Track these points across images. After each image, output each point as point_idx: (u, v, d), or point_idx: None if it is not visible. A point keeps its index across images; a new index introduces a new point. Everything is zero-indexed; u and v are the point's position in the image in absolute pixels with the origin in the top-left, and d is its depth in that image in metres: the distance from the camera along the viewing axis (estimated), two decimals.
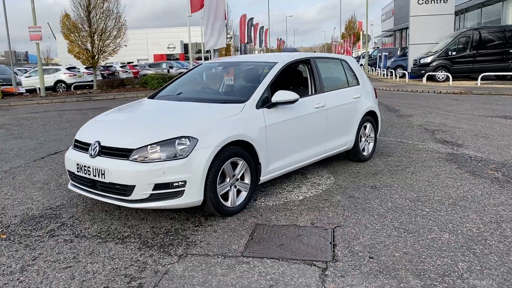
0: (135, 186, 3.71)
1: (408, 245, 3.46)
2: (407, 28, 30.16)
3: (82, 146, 4.20)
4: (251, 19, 47.58)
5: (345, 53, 60.91)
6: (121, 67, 32.21)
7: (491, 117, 10.21)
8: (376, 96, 6.54)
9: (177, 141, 3.81)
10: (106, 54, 20.46)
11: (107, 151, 3.92)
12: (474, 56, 20.49)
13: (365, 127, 6.16)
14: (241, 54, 66.87)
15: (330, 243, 3.54)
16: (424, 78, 20.74)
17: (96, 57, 20.19)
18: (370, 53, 39.46)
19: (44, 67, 25.16)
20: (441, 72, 20.67)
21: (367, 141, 6.24)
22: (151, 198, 3.74)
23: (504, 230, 3.71)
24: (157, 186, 3.71)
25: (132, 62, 46.19)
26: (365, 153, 6.18)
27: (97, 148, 3.97)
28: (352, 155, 6.08)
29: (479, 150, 6.79)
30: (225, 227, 3.91)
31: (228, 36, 45.67)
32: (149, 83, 20.63)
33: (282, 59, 5.06)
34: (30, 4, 17.35)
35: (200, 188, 3.81)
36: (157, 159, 3.73)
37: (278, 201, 4.57)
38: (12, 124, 11.36)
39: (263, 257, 3.30)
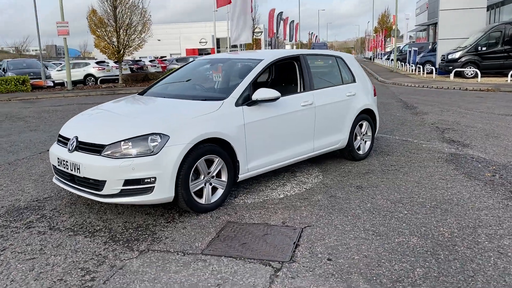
0: (106, 181, 3.79)
1: (371, 248, 3.39)
2: None
3: (64, 141, 4.32)
4: (281, 13, 47.31)
5: (378, 48, 59.70)
6: (150, 61, 32.73)
7: (510, 116, 9.81)
8: (375, 94, 6.40)
9: (150, 138, 3.86)
10: (131, 48, 20.85)
11: (83, 146, 4.02)
12: (506, 52, 19.68)
13: (360, 125, 6.05)
14: (271, 48, 66.63)
15: (294, 243, 3.52)
16: (452, 74, 20.10)
17: (122, 51, 20.60)
18: (400, 48, 38.56)
19: (75, 61, 25.94)
20: (470, 68, 19.97)
21: (363, 140, 6.13)
22: (122, 193, 3.81)
23: (478, 236, 3.58)
24: (128, 182, 3.77)
25: (165, 57, 46.89)
26: (360, 152, 6.08)
27: (75, 143, 4.08)
28: (347, 154, 5.99)
29: (484, 150, 6.55)
30: (195, 224, 3.94)
31: (259, 30, 45.62)
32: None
33: (268, 57, 5.03)
34: None
35: (170, 185, 3.85)
36: (128, 155, 3.79)
37: (257, 199, 4.57)
38: (33, 116, 11.77)
39: (221, 256, 3.31)
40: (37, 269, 3.15)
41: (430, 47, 30.24)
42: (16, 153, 7.07)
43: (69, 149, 4.11)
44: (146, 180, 3.80)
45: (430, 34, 46.60)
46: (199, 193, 4.16)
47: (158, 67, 32.00)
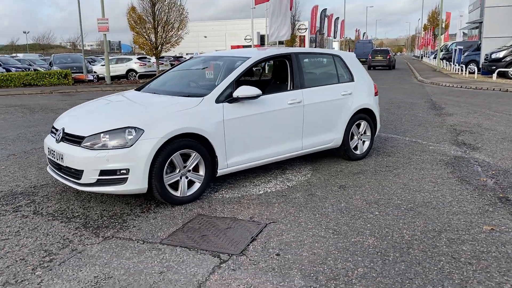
0: (83, 170, 4.04)
1: (324, 246, 3.43)
2: None
3: (54, 132, 4.62)
4: (324, 10, 46.86)
5: (427, 45, 57.76)
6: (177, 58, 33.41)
7: None
8: (376, 94, 6.32)
9: (127, 131, 4.06)
10: (168, 45, 21.41)
11: (68, 138, 4.29)
12: None
13: (358, 125, 6.01)
14: (315, 45, 66.09)
15: (252, 237, 3.61)
16: (494, 75, 19.23)
17: (159, 48, 21.21)
18: (447, 46, 37.16)
19: (119, 57, 26.96)
20: None
21: (360, 140, 6.09)
22: (98, 183, 4.04)
23: (439, 240, 3.53)
24: (103, 172, 4.00)
25: (182, 56, 47.62)
26: (357, 152, 6.04)
27: (61, 134, 4.35)
28: (342, 153, 5.98)
29: (492, 155, 6.32)
30: (167, 215, 4.11)
31: (304, 27, 45.39)
32: None
33: (256, 55, 5.11)
34: None
35: (143, 177, 4.04)
36: (104, 147, 4.01)
37: (236, 194, 4.68)
38: (65, 109, 12.40)
39: (177, 246, 3.46)
40: (6, 248, 3.42)
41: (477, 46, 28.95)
42: (35, 142, 7.54)
43: (56, 140, 4.39)
44: (121, 171, 4.00)
45: (482, 32, 44.61)
46: (176, 186, 4.32)
47: None
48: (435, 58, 40.36)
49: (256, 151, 4.88)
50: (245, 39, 75.20)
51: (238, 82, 4.82)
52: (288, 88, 5.30)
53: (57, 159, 4.31)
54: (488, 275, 2.97)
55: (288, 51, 5.44)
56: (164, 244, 3.49)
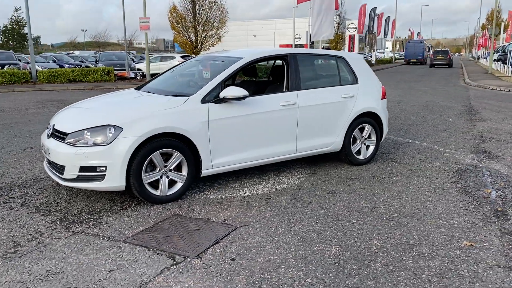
0: (65, 166, 4.16)
1: (283, 253, 3.34)
2: None
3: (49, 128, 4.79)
4: (374, 8, 45.73)
5: (484, 46, 54.91)
6: None
7: None
8: (383, 97, 6.08)
9: (108, 129, 4.14)
10: (208, 44, 21.70)
11: (56, 134, 4.44)
12: None
13: (361, 129, 5.80)
14: (365, 45, 64.59)
15: (215, 240, 3.57)
16: None
17: (199, 46, 21.55)
18: (504, 48, 35.17)
19: (163, 55, 27.66)
20: None
21: (364, 144, 5.88)
22: (79, 178, 4.15)
23: (408, 253, 3.34)
24: (83, 169, 4.10)
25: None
26: (360, 157, 5.84)
27: (51, 130, 4.51)
28: (343, 158, 5.80)
29: (510, 165, 5.92)
30: (143, 213, 4.15)
31: (354, 26, 44.53)
32: None
33: (248, 56, 5.05)
34: None
35: (121, 174, 4.10)
36: (84, 144, 4.12)
37: (221, 195, 4.66)
38: None
39: (138, 245, 3.49)
40: None
41: None
42: None
43: (47, 135, 4.56)
44: (100, 168, 4.09)
45: None
46: (157, 185, 4.36)
47: None
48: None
49: (245, 152, 4.82)
50: (294, 38, 74.85)
51: (241, 82, 4.78)
52: (284, 90, 5.20)
53: (47, 154, 4.47)
54: None
55: (285, 52, 5.34)
56: (127, 243, 3.53)
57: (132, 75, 22.09)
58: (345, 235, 3.66)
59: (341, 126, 5.55)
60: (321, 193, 4.74)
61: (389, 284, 2.91)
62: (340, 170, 5.64)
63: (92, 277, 2.99)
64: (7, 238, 3.60)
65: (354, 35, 50.30)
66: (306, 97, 5.20)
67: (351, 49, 48.54)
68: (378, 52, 71.40)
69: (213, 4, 21.35)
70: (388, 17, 53.45)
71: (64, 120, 4.59)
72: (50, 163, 4.49)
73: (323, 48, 39.50)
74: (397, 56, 66.18)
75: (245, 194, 4.69)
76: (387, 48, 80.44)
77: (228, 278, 2.98)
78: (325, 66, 5.78)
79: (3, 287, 2.87)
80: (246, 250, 3.38)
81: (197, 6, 20.95)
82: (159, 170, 4.34)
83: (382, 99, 6.04)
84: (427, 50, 54.13)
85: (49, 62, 28.84)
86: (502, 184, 5.08)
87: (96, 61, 24.99)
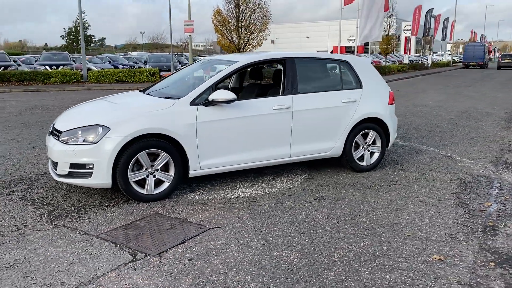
0: (57, 163, 4.42)
1: (241, 256, 3.36)
2: None
3: None
4: (430, 10, 44.09)
5: None
6: None
7: None
8: (391, 102, 5.90)
9: (97, 128, 4.35)
10: (250, 46, 21.90)
11: (54, 132, 4.71)
12: None
13: (365, 134, 5.67)
14: (422, 47, 62.35)
15: (182, 240, 3.66)
16: None
17: (241, 49, 21.79)
18: None
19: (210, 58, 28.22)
20: None
21: (367, 150, 5.74)
22: (69, 175, 4.38)
23: (368, 264, 3.25)
24: (73, 166, 4.33)
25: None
26: (363, 163, 5.71)
27: (51, 128, 4.80)
28: (344, 163, 5.70)
29: None
30: (126, 211, 4.31)
31: (409, 28, 43.20)
32: None
33: (243, 60, 5.10)
34: None
35: (107, 172, 4.29)
36: (74, 142, 4.34)
37: (207, 196, 4.74)
38: None
39: (108, 240, 3.64)
40: None
41: None
42: None
43: (48, 133, 4.85)
44: (88, 166, 4.30)
45: None
46: (144, 184, 4.51)
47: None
48: None
49: (234, 155, 4.87)
50: (348, 39, 73.79)
51: (248, 86, 4.84)
52: (280, 93, 5.20)
53: (47, 151, 4.76)
54: None
55: (282, 56, 5.33)
56: (99, 238, 3.69)
57: None
58: (312, 242, 3.62)
59: (341, 131, 5.45)
60: (308, 198, 4.69)
61: None
62: (340, 176, 5.55)
63: (52, 268, 3.16)
64: None
65: (410, 37, 48.67)
66: (301, 101, 5.16)
67: (407, 51, 47.03)
68: (436, 55, 68.68)
69: (257, 6, 21.51)
70: (447, 19, 51.25)
71: (63, 119, 4.85)
72: (49, 159, 4.77)
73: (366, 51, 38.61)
74: (456, 59, 63.35)
75: (232, 196, 4.74)
76: (447, 50, 77.25)
77: (176, 278, 3.04)
78: (326, 70, 5.69)
79: None
80: (207, 252, 3.43)
81: (240, 9, 21.18)
82: (146, 169, 4.48)
83: (389, 104, 5.86)
84: (492, 53, 51.93)
85: (104, 63, 30.31)
86: (508, 197, 4.79)
87: (145, 62, 25.94)
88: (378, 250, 3.48)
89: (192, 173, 4.70)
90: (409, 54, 50.31)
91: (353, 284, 2.97)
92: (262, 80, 6.22)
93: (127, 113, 4.54)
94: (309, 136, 5.27)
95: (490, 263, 3.28)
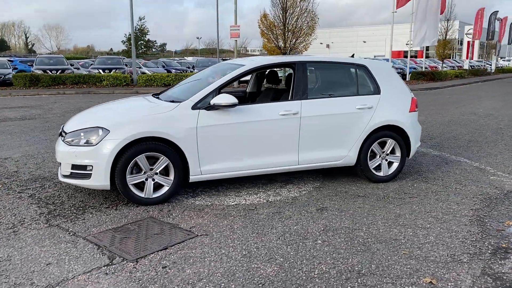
0: (61, 163, 4.51)
1: (217, 266, 3.24)
2: None
3: None
4: (495, 12, 41.69)
5: None
6: None
7: None
8: (413, 109, 5.53)
9: (98, 131, 4.40)
10: (295, 50, 21.68)
11: (62, 133, 4.83)
12: None
13: (382, 143, 5.36)
14: (484, 51, 59.02)
15: (164, 247, 3.59)
16: None
17: (287, 53, 21.63)
18: None
19: None
20: None
21: (385, 160, 5.42)
22: (71, 175, 4.46)
23: (348, 283, 3.02)
24: (74, 167, 4.41)
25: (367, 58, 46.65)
26: (380, 174, 5.39)
27: (60, 130, 4.92)
28: (359, 173, 5.42)
29: None
30: (122, 213, 4.31)
31: (471, 32, 41.16)
32: None
33: (250, 64, 4.98)
34: None
35: (105, 174, 4.32)
36: (76, 144, 4.42)
37: (208, 202, 4.65)
38: None
39: (93, 242, 3.64)
40: None
41: None
42: None
43: (58, 134, 4.98)
44: (88, 167, 4.36)
45: None
46: (143, 187, 4.50)
47: None
48: None
49: (238, 161, 4.76)
50: (406, 44, 71.55)
51: (265, 90, 4.77)
52: (289, 98, 5.03)
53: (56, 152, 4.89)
54: None
55: (293, 59, 5.15)
56: (85, 239, 3.71)
57: None
58: (297, 255, 3.43)
59: (354, 139, 5.18)
60: (310, 208, 4.48)
61: None
62: (353, 186, 5.27)
63: (29, 268, 3.20)
64: None
65: (473, 41, 46.30)
66: (311, 106, 4.96)
67: (469, 56, 44.76)
68: (503, 60, 64.78)
69: (304, 10, 21.28)
70: None
71: (71, 121, 4.96)
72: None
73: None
74: None
75: (232, 203, 4.62)
76: None
77: (143, 285, 2.97)
78: (340, 75, 5.43)
79: None
80: (184, 260, 3.34)
81: (287, 13, 21.06)
82: (144, 172, 4.47)
83: (411, 111, 5.50)
84: None
85: (158, 67, 31.29)
86: None
87: (193, 67, 26.45)
88: (365, 268, 3.22)
89: (193, 177, 4.63)
90: (471, 59, 47.81)
91: None
92: (279, 84, 6.07)
93: (128, 116, 4.56)
94: (319, 143, 5.05)
95: None
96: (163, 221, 4.12)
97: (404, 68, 30.11)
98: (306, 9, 21.11)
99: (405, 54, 61.11)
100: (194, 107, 4.59)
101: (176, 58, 49.38)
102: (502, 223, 4.16)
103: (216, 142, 4.62)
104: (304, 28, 21.24)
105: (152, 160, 4.48)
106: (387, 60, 29.41)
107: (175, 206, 4.53)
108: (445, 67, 38.08)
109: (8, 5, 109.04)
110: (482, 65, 46.43)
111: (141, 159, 4.40)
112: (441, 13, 28.16)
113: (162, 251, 3.49)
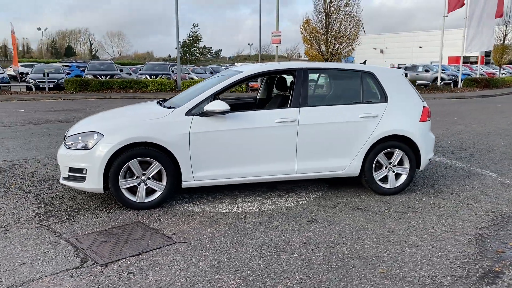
0: (60, 166, 4.68)
1: (180, 276, 3.20)
2: None
3: None
4: None
5: None
6: None
7: None
8: (424, 119, 5.24)
9: (93, 135, 4.52)
10: (335, 58, 21.31)
11: (65, 137, 5.00)
12: None
13: (388, 154, 5.12)
14: None
15: (138, 252, 3.61)
16: None
17: (329, 59, 21.32)
18: None
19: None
20: None
21: (392, 171, 5.16)
22: (69, 178, 4.60)
23: None
24: (71, 169, 4.55)
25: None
26: (386, 185, 5.15)
27: (66, 133, 5.10)
28: (365, 184, 5.20)
29: None
30: (113, 217, 4.38)
31: None
32: None
33: (248, 70, 4.93)
34: None
35: (99, 178, 4.42)
36: (73, 148, 4.56)
37: (199, 209, 4.64)
38: None
39: (73, 244, 3.73)
40: None
41: None
42: None
43: (63, 138, 5.16)
44: (83, 171, 4.48)
45: None
46: (136, 191, 4.56)
47: None
48: None
49: (231, 168, 4.71)
50: (465, 49, 68.33)
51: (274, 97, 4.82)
52: (288, 106, 4.92)
53: None
54: None
55: (293, 66, 5.04)
56: (67, 241, 3.80)
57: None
58: (266, 268, 3.32)
59: (357, 149, 4.98)
60: (301, 220, 4.35)
61: None
62: (355, 197, 5.06)
63: (2, 267, 3.31)
64: None
65: None
66: (309, 114, 4.82)
67: None
68: None
69: (348, 15, 20.89)
70: None
71: (75, 126, 5.12)
72: None
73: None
74: None
75: (223, 211, 4.58)
76: None
77: None
78: (345, 82, 5.24)
79: None
80: (152, 267, 3.33)
81: (331, 18, 20.77)
82: (137, 177, 4.52)
83: (421, 121, 5.21)
84: None
85: (206, 73, 32.02)
86: None
87: None
88: (332, 286, 3.06)
89: (185, 183, 4.64)
90: None
91: None
92: (287, 91, 5.96)
93: (123, 121, 4.64)
94: (318, 152, 4.90)
95: None
96: (148, 226, 4.15)
97: (456, 74, 28.76)
98: (350, 14, 20.70)
99: (464, 60, 58.48)
100: (188, 113, 4.60)
101: (226, 64, 50.20)
102: (506, 244, 3.83)
103: (210, 148, 4.60)
104: (347, 33, 20.83)
105: (146, 165, 4.53)
106: (436, 65, 28.23)
107: (166, 211, 4.54)
108: (503, 73, 36.00)
109: (75, 13, 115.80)
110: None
111: (133, 164, 4.46)
112: (498, 16, 26.67)
113: (134, 257, 3.50)
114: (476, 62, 52.58)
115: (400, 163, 5.17)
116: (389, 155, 5.13)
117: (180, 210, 4.59)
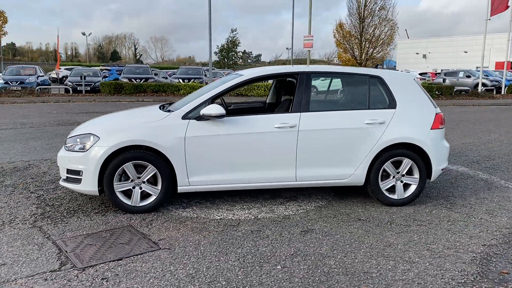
0: (59, 167, 4.72)
1: (153, 284, 3.11)
2: None
3: None
4: None
5: None
6: (420, 74, 31.37)
7: None
8: (436, 126, 4.94)
9: (89, 137, 4.53)
10: (372, 61, 20.83)
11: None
12: None
13: (396, 162, 4.86)
14: None
15: (120, 257, 3.55)
16: None
17: (363, 64, 20.87)
18: None
19: None
20: None
21: (400, 181, 4.89)
22: (67, 180, 4.63)
23: None
24: (68, 171, 4.57)
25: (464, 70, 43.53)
26: (394, 196, 4.89)
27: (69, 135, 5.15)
28: (370, 194, 4.96)
29: None
30: (105, 220, 4.35)
31: None
32: None
33: (248, 74, 4.81)
34: None
35: (93, 180, 4.42)
36: (71, 149, 4.58)
37: (194, 214, 4.55)
38: None
39: (60, 246, 3.72)
40: None
41: None
42: None
43: None
44: (80, 173, 4.50)
45: None
46: (131, 194, 4.53)
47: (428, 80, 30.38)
48: None
49: (229, 173, 4.59)
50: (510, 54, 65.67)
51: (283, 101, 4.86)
52: (290, 111, 4.76)
53: None
54: None
55: (295, 70, 4.87)
56: (54, 243, 3.79)
57: None
58: (244, 280, 3.18)
59: (362, 156, 4.75)
60: (295, 230, 4.17)
61: None
62: (358, 208, 4.83)
63: None
64: None
65: None
66: (310, 120, 4.64)
67: None
68: None
69: (384, 19, 20.39)
70: None
71: (77, 127, 5.16)
72: None
73: None
74: None
75: (217, 217, 4.47)
76: None
77: None
78: (350, 87, 5.01)
79: None
80: (128, 273, 3.26)
81: (365, 22, 20.33)
82: (132, 180, 4.49)
83: (433, 128, 4.92)
84: None
85: None
86: None
87: None
88: None
89: (181, 188, 4.56)
90: None
91: None
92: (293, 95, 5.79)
93: (120, 124, 4.63)
94: (320, 160, 4.71)
95: None
96: (137, 231, 4.09)
97: (500, 80, 27.49)
98: (385, 17, 20.19)
99: None
100: (185, 117, 4.53)
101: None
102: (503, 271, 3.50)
103: (206, 153, 4.51)
104: (382, 37, 20.32)
105: (141, 169, 4.49)
106: (478, 70, 27.05)
107: (160, 216, 4.48)
108: None
109: (121, 19, 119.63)
110: None
111: (128, 167, 4.43)
112: None
113: (114, 262, 3.45)
114: None
115: (409, 172, 4.89)
116: (397, 164, 4.86)
117: (174, 215, 4.52)
